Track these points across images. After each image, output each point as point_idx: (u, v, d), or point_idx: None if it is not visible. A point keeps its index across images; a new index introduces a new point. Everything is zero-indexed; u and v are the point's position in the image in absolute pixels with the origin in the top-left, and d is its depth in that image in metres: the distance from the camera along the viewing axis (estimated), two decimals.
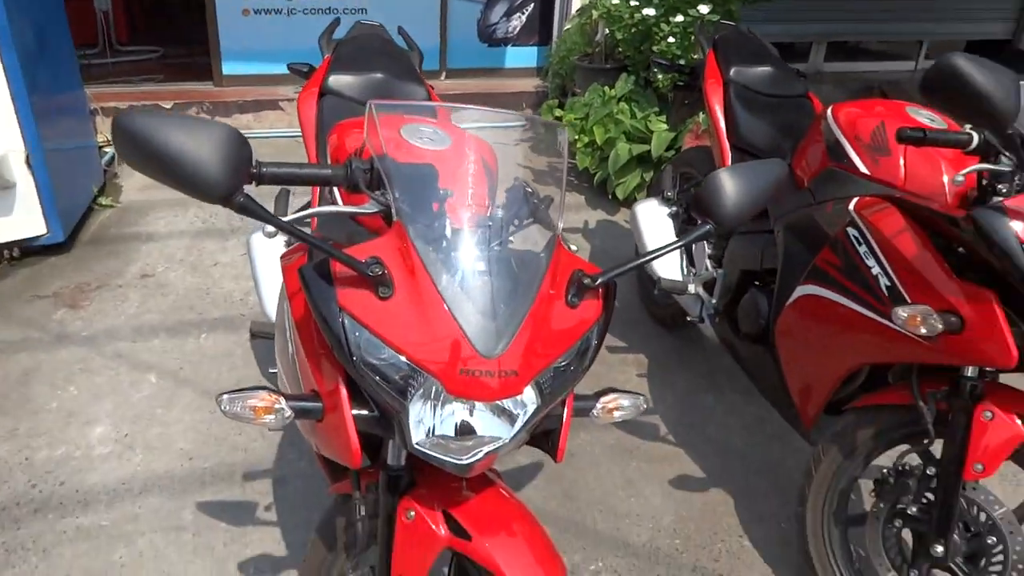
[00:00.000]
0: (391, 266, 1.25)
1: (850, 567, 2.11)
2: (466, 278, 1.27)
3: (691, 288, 2.78)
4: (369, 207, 1.32)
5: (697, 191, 1.38)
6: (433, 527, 1.45)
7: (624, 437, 2.82)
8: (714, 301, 2.74)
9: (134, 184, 4.49)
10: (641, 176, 4.30)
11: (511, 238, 1.38)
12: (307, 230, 1.49)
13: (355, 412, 1.33)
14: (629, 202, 4.29)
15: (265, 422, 1.32)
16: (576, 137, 4.54)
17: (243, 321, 3.27)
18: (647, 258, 1.35)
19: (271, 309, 2.34)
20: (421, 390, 1.26)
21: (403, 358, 1.23)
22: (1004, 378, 1.89)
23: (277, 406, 1.33)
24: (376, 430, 1.37)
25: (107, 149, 4.57)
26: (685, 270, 2.98)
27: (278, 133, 5.24)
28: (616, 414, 1.53)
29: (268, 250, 2.47)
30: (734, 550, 2.38)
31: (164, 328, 3.21)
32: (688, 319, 2.91)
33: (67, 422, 2.68)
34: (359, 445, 1.31)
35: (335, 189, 1.68)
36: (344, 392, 1.32)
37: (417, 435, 1.29)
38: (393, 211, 1.28)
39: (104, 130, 4.61)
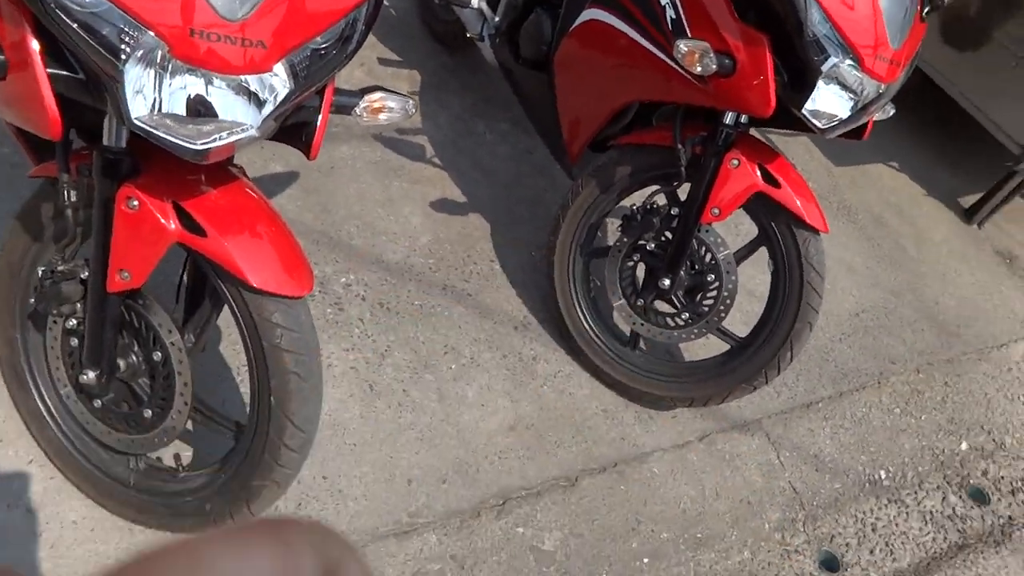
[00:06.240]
0: None
1: (587, 294, 2.27)
2: None
3: (474, 2, 2.57)
4: None
5: None
6: (161, 220, 1.28)
7: (389, 155, 2.70)
8: (497, 19, 2.56)
9: None
10: None
11: None
12: None
13: (52, 71, 1.07)
14: None
15: None
16: None
17: None
18: None
19: None
20: (140, 52, 1.03)
21: (114, 5, 0.98)
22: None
23: None
24: (83, 97, 1.13)
25: None
26: None
27: None
28: (382, 116, 1.39)
29: None
30: (484, 272, 2.46)
31: None
32: (468, 36, 2.73)
33: None
34: (57, 110, 1.07)
35: None
36: (34, 44, 1.05)
37: (136, 109, 1.07)
38: None
39: None
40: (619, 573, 1.88)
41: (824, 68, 1.66)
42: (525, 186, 2.81)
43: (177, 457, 1.60)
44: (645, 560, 1.93)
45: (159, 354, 1.44)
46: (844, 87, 1.71)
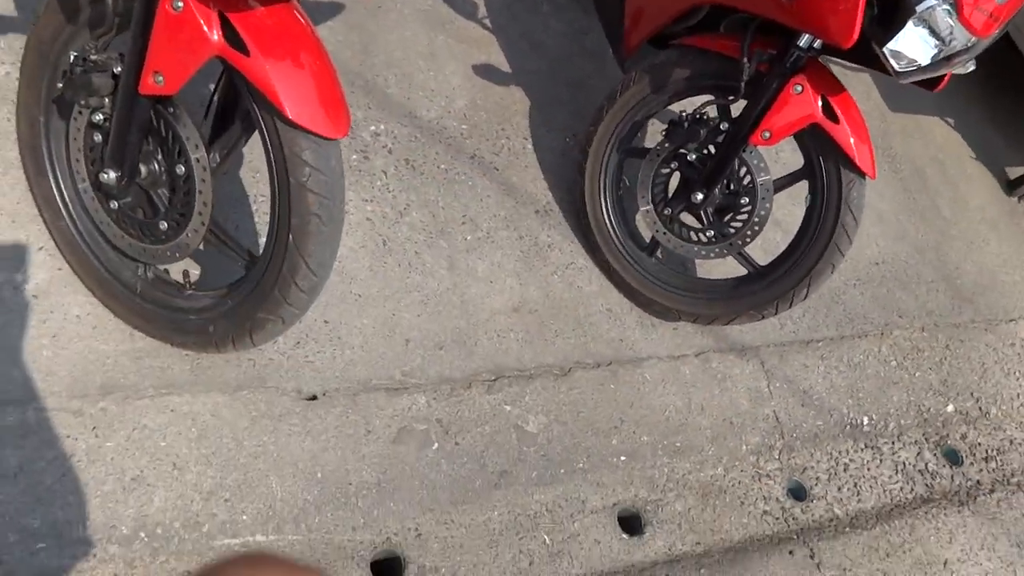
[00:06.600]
0: None
1: (615, 191, 2.22)
2: None
3: None
4: None
5: None
6: (204, 28, 1.23)
7: (439, 6, 2.57)
8: None
9: None
10: None
11: None
12: None
13: None
14: None
15: None
16: None
17: None
18: None
19: None
20: None
21: None
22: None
23: None
24: None
25: None
26: None
27: None
28: None
29: None
30: (516, 149, 2.39)
31: None
32: None
33: None
34: None
35: None
36: None
37: None
38: None
39: None
40: (595, 465, 1.94)
41: (919, 8, 1.55)
42: (573, 67, 2.70)
43: (186, 274, 1.60)
44: (622, 458, 1.98)
45: (182, 168, 1.41)
46: (933, 32, 1.61)
